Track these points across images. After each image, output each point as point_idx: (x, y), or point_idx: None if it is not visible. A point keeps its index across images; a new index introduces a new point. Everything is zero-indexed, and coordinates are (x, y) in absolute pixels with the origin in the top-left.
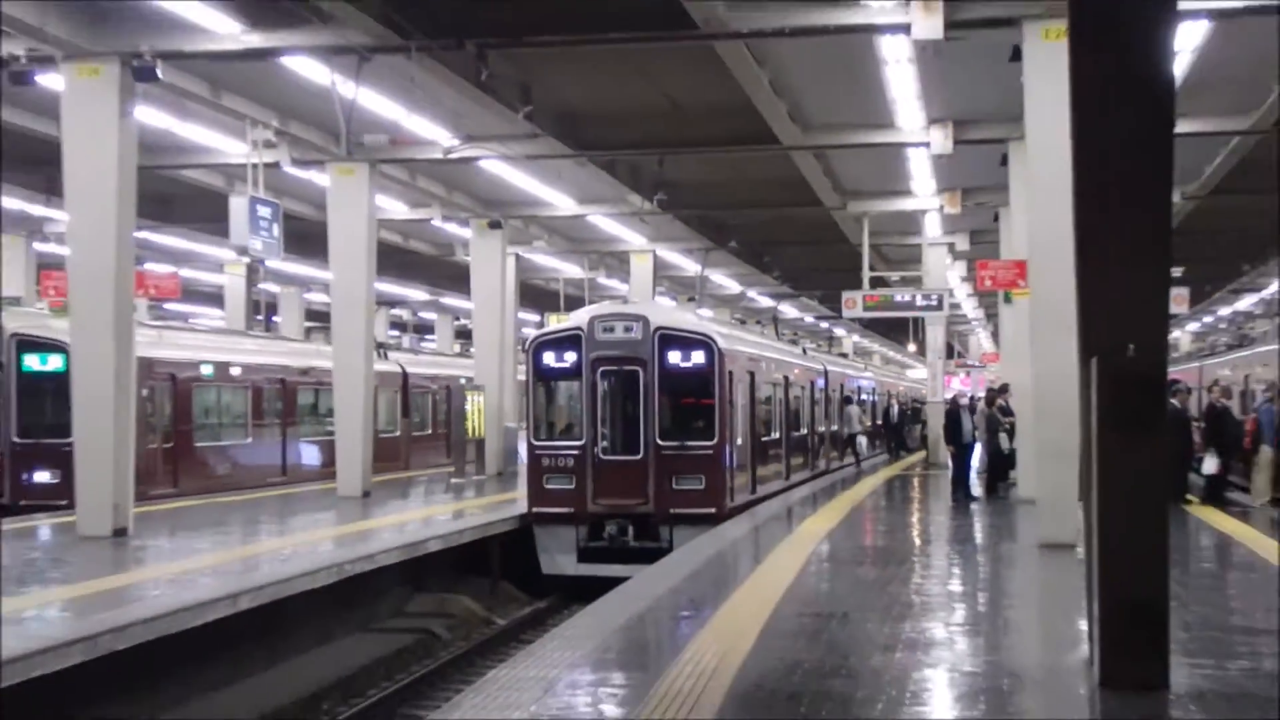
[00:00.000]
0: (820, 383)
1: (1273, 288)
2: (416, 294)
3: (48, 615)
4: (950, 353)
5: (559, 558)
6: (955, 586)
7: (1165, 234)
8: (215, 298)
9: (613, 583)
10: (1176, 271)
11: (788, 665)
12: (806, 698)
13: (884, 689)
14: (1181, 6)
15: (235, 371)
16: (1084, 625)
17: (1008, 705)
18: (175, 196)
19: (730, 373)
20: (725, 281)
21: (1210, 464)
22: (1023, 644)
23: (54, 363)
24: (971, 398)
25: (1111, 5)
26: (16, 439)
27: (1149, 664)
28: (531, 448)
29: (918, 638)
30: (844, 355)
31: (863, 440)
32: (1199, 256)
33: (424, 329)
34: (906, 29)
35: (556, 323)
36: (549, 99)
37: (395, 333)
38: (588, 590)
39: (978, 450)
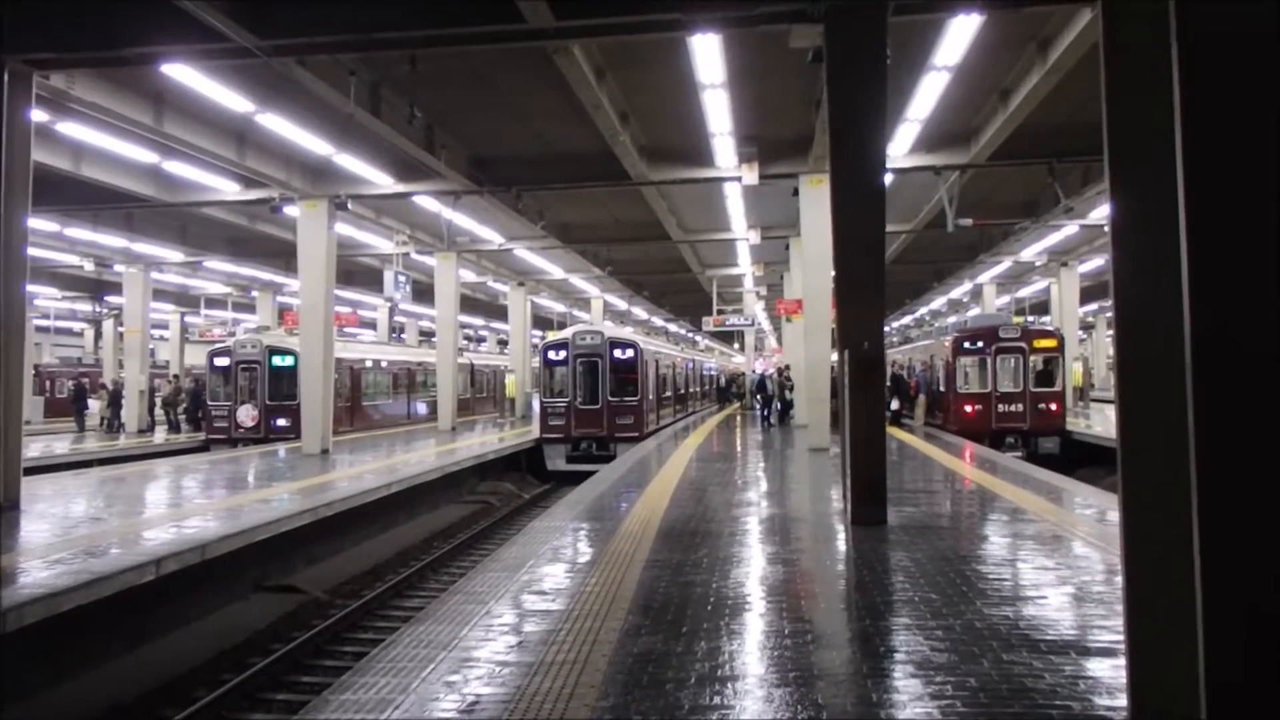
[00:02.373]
0: (690, 365)
1: (916, 314)
2: (478, 320)
3: (284, 498)
4: (756, 347)
5: (556, 460)
6: (763, 472)
7: (880, 286)
8: (372, 323)
9: (586, 474)
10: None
11: (685, 517)
12: (696, 533)
13: (729, 526)
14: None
15: (383, 364)
16: (836, 492)
17: (791, 534)
18: (355, 271)
19: (646, 361)
20: (639, 312)
21: (894, 404)
22: (801, 503)
23: (288, 361)
24: (766, 372)
25: (849, 168)
26: (269, 401)
27: (876, 510)
28: (542, 403)
29: (745, 500)
30: (700, 350)
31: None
32: (889, 296)
33: (478, 340)
34: (739, 179)
35: (555, 335)
36: (554, 217)
37: (465, 342)
38: (573, 478)
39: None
